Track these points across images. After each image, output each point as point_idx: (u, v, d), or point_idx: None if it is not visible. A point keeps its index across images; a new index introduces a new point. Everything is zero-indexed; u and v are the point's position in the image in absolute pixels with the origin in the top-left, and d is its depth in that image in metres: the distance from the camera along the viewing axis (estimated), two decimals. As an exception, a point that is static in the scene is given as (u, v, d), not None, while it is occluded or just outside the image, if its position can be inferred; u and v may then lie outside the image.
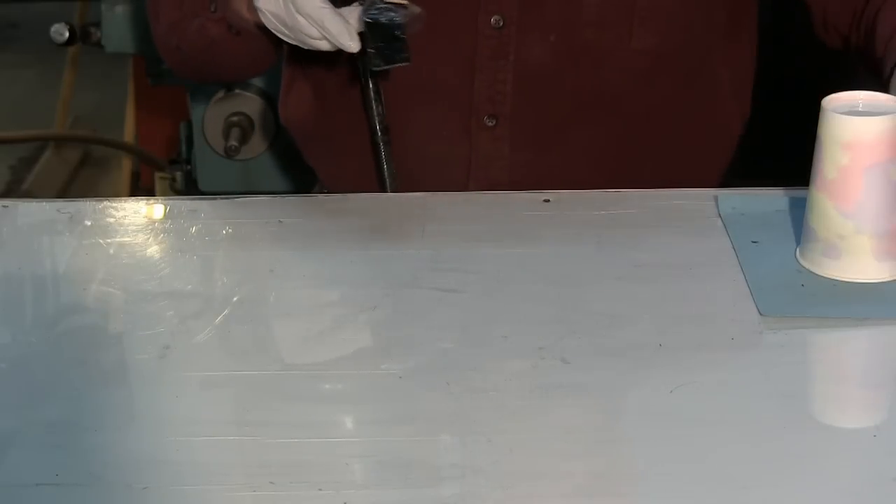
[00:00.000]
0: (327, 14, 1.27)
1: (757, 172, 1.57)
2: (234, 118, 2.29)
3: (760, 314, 1.13)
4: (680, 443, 0.98)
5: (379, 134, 1.43)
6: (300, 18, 1.29)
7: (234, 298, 1.20)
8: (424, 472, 0.96)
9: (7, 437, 1.01)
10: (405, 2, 1.30)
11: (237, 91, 2.29)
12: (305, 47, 1.32)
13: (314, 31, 1.29)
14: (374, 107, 1.42)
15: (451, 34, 1.41)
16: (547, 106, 1.43)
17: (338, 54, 1.32)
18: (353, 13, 1.29)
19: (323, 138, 1.53)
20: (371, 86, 1.41)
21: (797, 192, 1.27)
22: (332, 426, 1.03)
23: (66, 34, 2.43)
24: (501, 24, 1.41)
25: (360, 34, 1.29)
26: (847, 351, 1.14)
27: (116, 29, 2.34)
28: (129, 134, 3.18)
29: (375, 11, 1.28)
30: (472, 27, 1.41)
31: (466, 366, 1.08)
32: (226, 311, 1.17)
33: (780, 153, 1.63)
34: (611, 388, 1.06)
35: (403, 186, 1.45)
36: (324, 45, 1.30)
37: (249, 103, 2.29)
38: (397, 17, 1.28)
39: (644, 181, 1.45)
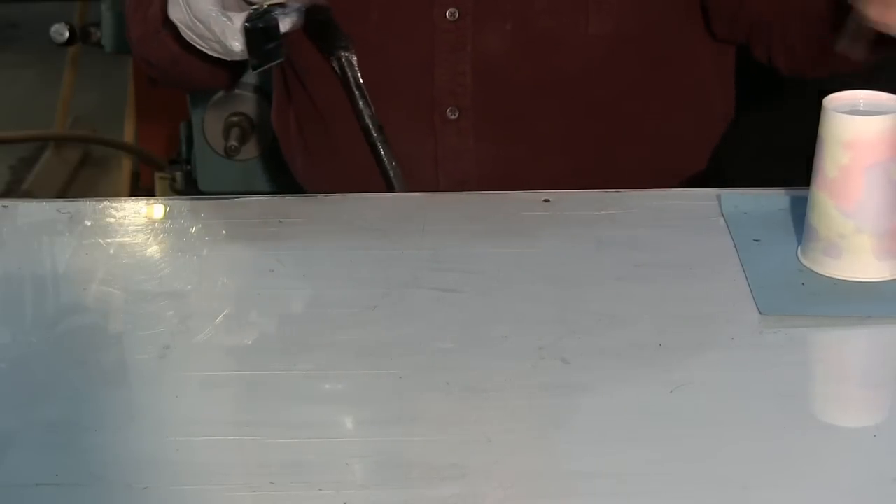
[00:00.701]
0: (213, 15, 1.29)
1: (758, 172, 1.57)
2: (234, 118, 2.28)
3: (760, 313, 1.13)
4: (680, 443, 0.98)
5: (374, 135, 1.43)
6: (198, 23, 1.31)
7: (234, 298, 1.20)
8: (424, 472, 0.96)
9: (7, 437, 1.01)
10: (283, 0, 1.32)
11: (237, 91, 2.28)
12: (220, 56, 1.34)
13: (210, 35, 1.31)
14: (364, 109, 1.42)
15: (408, 31, 1.42)
16: (508, 95, 1.44)
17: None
18: (239, 18, 1.31)
19: (313, 155, 1.54)
20: (356, 90, 1.42)
21: (800, 192, 1.27)
22: (332, 426, 1.03)
23: (66, 34, 2.43)
24: (457, 16, 1.42)
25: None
26: (847, 351, 1.14)
27: (116, 29, 2.34)
28: (129, 134, 3.18)
29: (256, 17, 1.31)
30: (429, 22, 1.42)
31: (466, 366, 1.08)
32: (226, 311, 1.17)
33: (782, 153, 1.63)
34: (611, 388, 1.06)
35: (374, 182, 1.45)
36: (220, 50, 1.32)
37: (249, 103, 2.29)
38: (272, 18, 1.30)
39: (621, 168, 1.45)
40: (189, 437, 1.01)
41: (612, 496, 0.93)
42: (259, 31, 1.31)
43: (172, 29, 1.36)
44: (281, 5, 1.32)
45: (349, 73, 1.42)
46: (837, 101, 1.18)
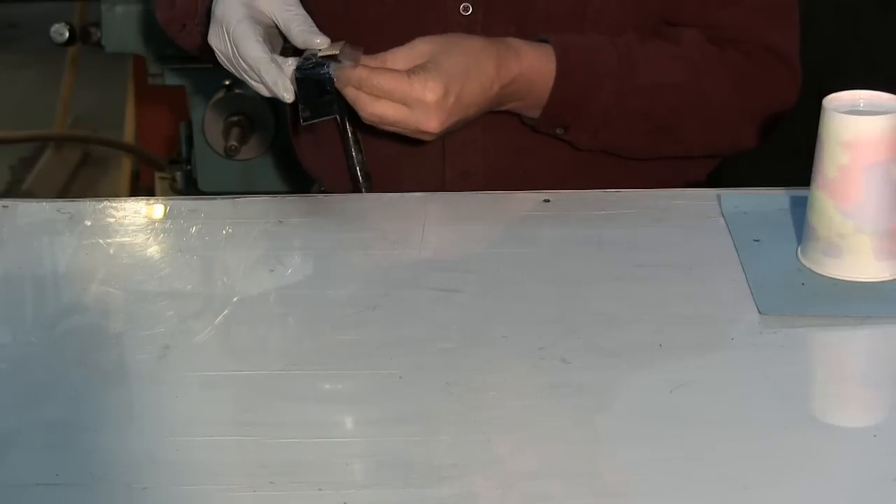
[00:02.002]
0: (264, 63, 1.30)
1: (758, 172, 1.57)
2: (234, 118, 2.28)
3: (760, 313, 1.13)
4: (680, 443, 0.98)
5: (360, 181, 1.44)
6: (242, 63, 1.32)
7: (234, 298, 1.20)
8: (424, 472, 0.96)
9: (7, 437, 1.01)
10: (337, 52, 1.32)
11: (237, 91, 2.29)
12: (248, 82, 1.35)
13: (255, 76, 1.32)
14: (355, 155, 1.43)
15: (422, 22, 1.42)
16: None
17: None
18: (290, 64, 1.31)
19: (321, 144, 1.54)
20: (350, 136, 1.42)
21: (800, 192, 1.27)
22: (332, 426, 1.03)
23: (66, 34, 2.42)
24: (470, 10, 1.42)
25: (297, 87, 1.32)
26: (847, 351, 1.14)
27: (116, 29, 2.34)
28: (129, 134, 3.18)
29: (308, 67, 1.31)
30: (443, 14, 1.43)
31: (466, 366, 1.08)
32: (226, 311, 1.17)
33: (782, 153, 1.64)
34: (611, 388, 1.06)
35: (381, 175, 1.45)
36: (264, 90, 1.33)
37: (249, 103, 2.29)
38: (326, 71, 1.30)
39: (624, 161, 1.46)
40: (189, 437, 1.01)
41: (613, 496, 0.93)
42: (311, 81, 1.30)
43: (203, 26, 1.38)
44: (333, 58, 1.31)
45: (349, 127, 1.42)
46: (837, 100, 1.18)
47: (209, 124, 2.30)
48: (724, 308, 1.16)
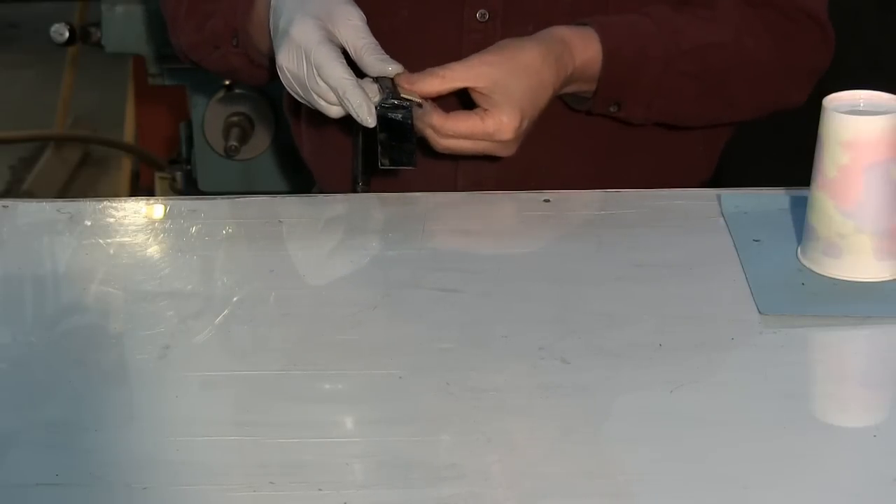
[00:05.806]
0: (350, 86, 1.28)
1: (758, 172, 1.57)
2: (234, 118, 2.29)
3: (760, 313, 1.13)
4: (680, 443, 0.98)
5: (360, 184, 1.44)
6: (321, 83, 1.30)
7: (234, 298, 1.20)
8: (424, 472, 0.96)
9: (7, 437, 1.01)
10: (421, 101, 1.30)
11: (237, 91, 2.29)
12: (314, 108, 1.34)
13: (332, 98, 1.30)
14: (360, 159, 1.43)
15: (438, 29, 1.42)
16: None
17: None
18: (371, 89, 1.30)
19: (320, 139, 1.54)
20: (361, 144, 1.42)
21: (800, 192, 1.27)
22: (332, 426, 1.03)
23: (66, 34, 2.43)
24: (487, 17, 1.42)
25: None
26: (847, 351, 1.14)
27: (116, 29, 2.34)
28: (129, 134, 3.18)
29: (389, 105, 1.29)
30: (458, 22, 1.42)
31: (466, 366, 1.08)
32: (226, 311, 1.17)
33: (782, 153, 1.64)
34: (611, 388, 1.06)
35: (392, 180, 1.45)
36: (334, 112, 1.31)
37: (249, 103, 2.29)
38: (409, 117, 1.28)
39: (636, 169, 1.45)
40: (189, 437, 1.01)
41: (613, 496, 0.93)
42: (393, 122, 1.28)
43: (242, 47, 1.38)
44: (418, 105, 1.30)
45: (361, 138, 1.42)
46: (837, 100, 1.18)
47: (209, 124, 2.30)
48: (724, 308, 1.16)
